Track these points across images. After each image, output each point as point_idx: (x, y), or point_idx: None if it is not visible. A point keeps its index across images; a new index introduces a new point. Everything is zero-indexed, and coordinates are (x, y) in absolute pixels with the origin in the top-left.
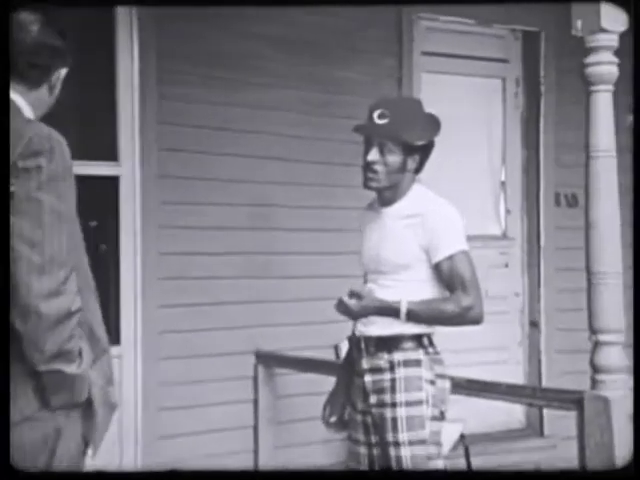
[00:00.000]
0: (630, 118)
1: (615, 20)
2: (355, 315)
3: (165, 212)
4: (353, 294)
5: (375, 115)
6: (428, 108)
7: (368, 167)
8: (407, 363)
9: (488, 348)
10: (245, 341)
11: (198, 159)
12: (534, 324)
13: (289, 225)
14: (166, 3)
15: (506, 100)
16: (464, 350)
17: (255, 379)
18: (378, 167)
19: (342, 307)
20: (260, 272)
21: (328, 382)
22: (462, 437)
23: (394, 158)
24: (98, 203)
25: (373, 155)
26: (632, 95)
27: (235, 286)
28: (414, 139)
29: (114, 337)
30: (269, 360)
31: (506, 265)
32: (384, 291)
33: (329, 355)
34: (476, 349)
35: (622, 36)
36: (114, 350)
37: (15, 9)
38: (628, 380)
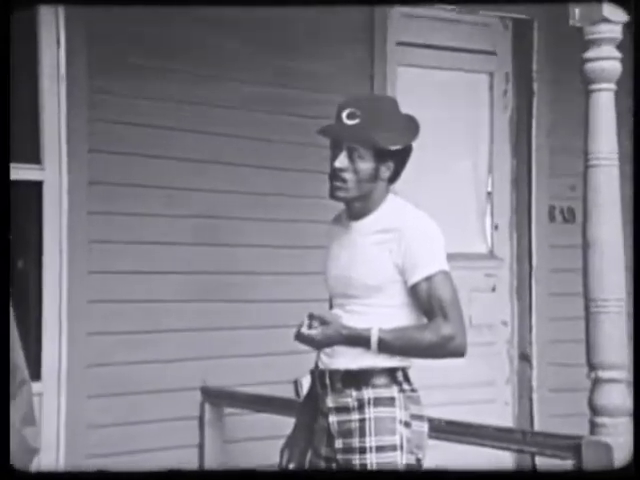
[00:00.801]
0: None
1: (618, 9)
2: (318, 345)
3: (96, 224)
4: (314, 320)
5: (344, 115)
6: (404, 108)
7: (335, 175)
8: (378, 402)
9: (472, 385)
10: (189, 375)
11: (135, 163)
12: (525, 357)
13: (242, 241)
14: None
15: (494, 99)
16: (444, 387)
17: (201, 420)
18: (347, 175)
19: (302, 336)
20: (208, 295)
21: (286, 423)
22: None
23: (365, 165)
24: (17, 212)
25: (341, 161)
26: (632, 99)
27: (177, 311)
28: (388, 143)
29: (34, 371)
30: (218, 398)
31: (493, 289)
32: (353, 317)
33: (288, 392)
34: (458, 386)
35: (624, 29)
36: (34, 387)
37: (15, 9)
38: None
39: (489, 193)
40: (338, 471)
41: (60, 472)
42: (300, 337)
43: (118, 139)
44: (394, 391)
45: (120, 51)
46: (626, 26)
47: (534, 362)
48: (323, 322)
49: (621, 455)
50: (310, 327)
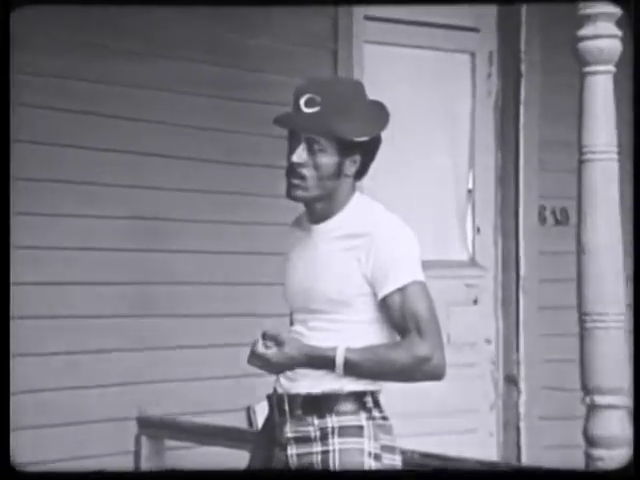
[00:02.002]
0: None
1: None
2: (275, 368)
3: (13, 227)
4: (269, 339)
5: (302, 101)
6: (372, 93)
7: (293, 171)
8: (344, 431)
9: (451, 412)
10: (124, 403)
11: (57, 155)
12: (511, 380)
13: (185, 246)
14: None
15: (476, 83)
16: (419, 414)
17: (137, 454)
18: (306, 171)
19: (256, 357)
20: (145, 309)
21: (239, 457)
22: None
23: (327, 159)
24: None
25: (299, 155)
26: (633, 82)
27: (110, 327)
28: (354, 134)
29: None
30: (156, 429)
31: (474, 301)
32: (316, 335)
33: (240, 421)
34: (435, 413)
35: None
36: None
37: (15, 9)
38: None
39: (470, 191)
40: (338, 471)
41: (60, 472)
42: (254, 359)
43: (35, 126)
44: (362, 419)
45: (35, 22)
46: (625, 22)
47: (522, 385)
48: (279, 342)
49: None
50: (266, 347)
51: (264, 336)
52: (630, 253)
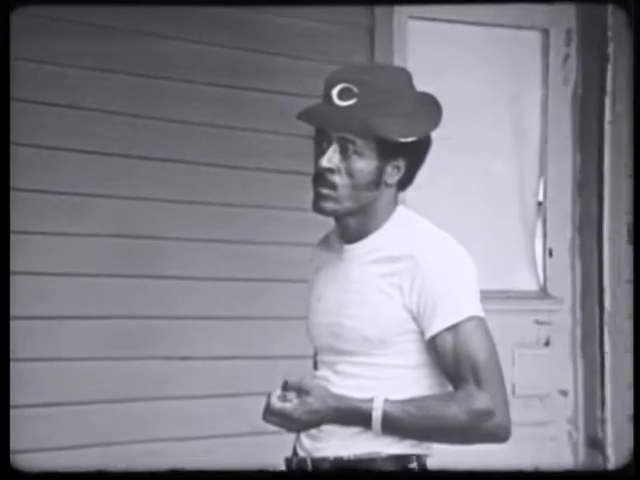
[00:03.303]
0: None
1: None
2: (296, 424)
3: None
4: (289, 389)
5: (334, 93)
6: (420, 82)
7: (322, 178)
8: None
9: None
10: (97, 457)
11: (19, 156)
12: (595, 444)
13: (175, 271)
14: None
15: (549, 68)
16: None
17: None
18: (338, 178)
19: (273, 412)
20: (133, 350)
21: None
22: None
23: (364, 164)
24: None
25: (330, 158)
26: (632, 100)
27: (82, 369)
28: (398, 133)
29: None
30: None
31: (546, 343)
32: (346, 382)
33: None
34: None
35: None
36: None
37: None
38: None
39: (540, 204)
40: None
41: (60, 472)
42: (270, 414)
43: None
44: None
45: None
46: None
47: (609, 451)
48: (302, 391)
49: None
50: (284, 399)
51: (285, 386)
52: None
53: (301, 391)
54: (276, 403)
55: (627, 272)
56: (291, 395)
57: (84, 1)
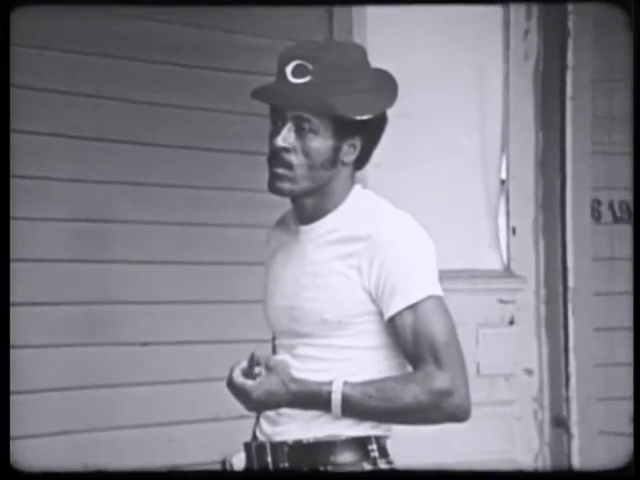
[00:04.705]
0: None
1: None
2: (253, 404)
3: None
4: (256, 363)
5: (288, 70)
6: (376, 58)
7: (277, 157)
8: None
9: (480, 462)
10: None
11: None
12: (560, 423)
13: (132, 255)
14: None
15: (509, 43)
16: (438, 465)
17: None
18: (293, 157)
19: (233, 386)
20: (88, 336)
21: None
22: None
23: (320, 143)
24: None
25: (285, 137)
26: (632, 101)
27: (40, 357)
28: (354, 111)
29: None
30: None
31: (510, 322)
32: (304, 365)
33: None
34: (458, 463)
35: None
36: None
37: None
38: None
39: (503, 182)
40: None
41: (60, 472)
42: (230, 386)
43: None
44: (365, 469)
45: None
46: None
47: (574, 430)
48: (267, 369)
49: None
50: (249, 374)
51: (252, 360)
52: None
53: (267, 368)
54: (238, 377)
55: (590, 249)
56: (258, 369)
57: (84, 1)
